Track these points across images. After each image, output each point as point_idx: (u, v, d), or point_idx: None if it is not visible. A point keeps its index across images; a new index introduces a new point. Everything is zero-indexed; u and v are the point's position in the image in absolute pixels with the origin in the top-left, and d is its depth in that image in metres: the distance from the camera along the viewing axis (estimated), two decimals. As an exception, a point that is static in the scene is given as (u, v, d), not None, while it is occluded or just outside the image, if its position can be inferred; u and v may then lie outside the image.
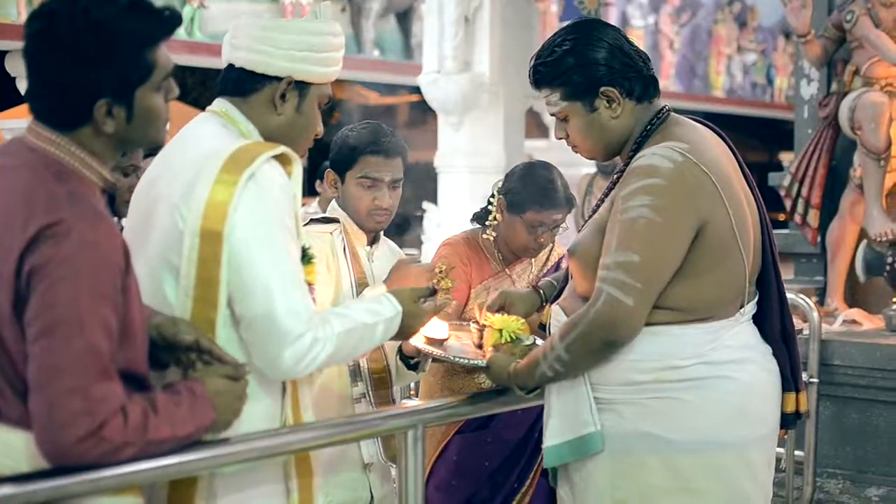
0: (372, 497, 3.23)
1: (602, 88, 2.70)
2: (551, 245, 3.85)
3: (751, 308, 2.71)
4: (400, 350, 3.19)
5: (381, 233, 3.38)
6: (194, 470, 2.25)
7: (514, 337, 2.85)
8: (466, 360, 2.88)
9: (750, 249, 2.67)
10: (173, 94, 2.19)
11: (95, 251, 1.98)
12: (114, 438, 1.96)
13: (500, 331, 2.86)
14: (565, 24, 2.87)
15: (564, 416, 2.67)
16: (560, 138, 2.82)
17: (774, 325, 2.75)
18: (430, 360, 3.21)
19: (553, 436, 2.70)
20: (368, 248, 3.31)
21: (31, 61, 2.08)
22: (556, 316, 2.77)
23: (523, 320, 2.92)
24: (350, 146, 3.26)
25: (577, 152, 2.85)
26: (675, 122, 2.74)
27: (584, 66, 2.70)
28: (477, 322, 2.98)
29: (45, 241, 1.96)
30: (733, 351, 2.64)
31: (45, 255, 1.95)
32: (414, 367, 3.24)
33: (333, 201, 3.35)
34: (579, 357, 2.60)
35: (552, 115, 2.79)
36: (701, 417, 2.60)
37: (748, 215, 2.68)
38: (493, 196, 3.78)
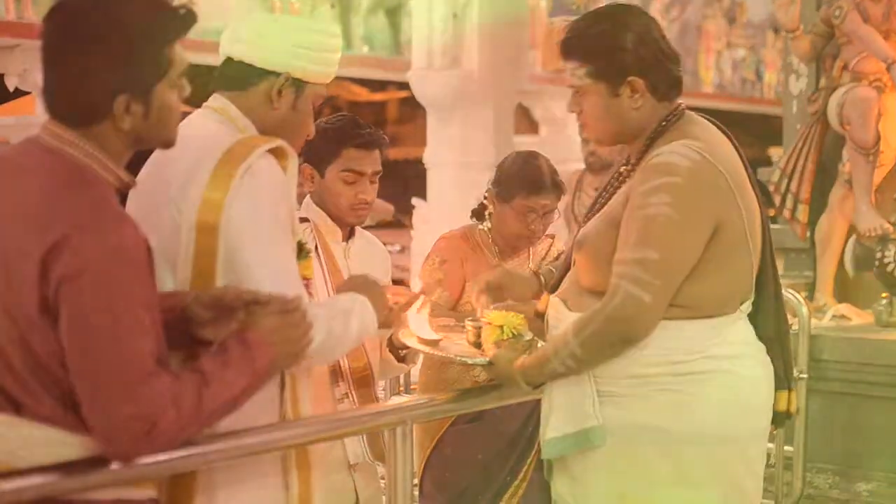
0: (357, 498, 3.21)
1: (630, 77, 2.68)
2: (550, 241, 3.86)
3: (748, 305, 2.72)
4: (390, 341, 3.18)
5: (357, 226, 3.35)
6: (183, 467, 2.24)
7: (514, 333, 2.84)
8: (468, 359, 2.87)
9: (758, 249, 2.68)
10: (186, 92, 2.20)
11: (121, 255, 2.00)
12: (170, 430, 2.00)
13: (502, 327, 2.84)
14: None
15: (567, 410, 2.67)
16: (572, 112, 2.79)
17: (769, 324, 2.76)
18: (420, 353, 3.20)
19: (554, 428, 2.69)
20: (344, 243, 3.29)
21: (50, 57, 2.08)
22: (556, 307, 2.76)
23: (522, 316, 2.89)
24: (330, 139, 3.22)
25: (582, 132, 2.83)
26: (690, 120, 2.74)
27: (619, 51, 2.67)
28: (474, 319, 2.96)
29: (69, 249, 1.96)
30: (733, 346, 2.65)
31: (72, 265, 1.95)
32: (403, 359, 3.24)
33: (307, 197, 3.32)
34: (594, 353, 2.60)
35: (572, 86, 2.75)
36: (702, 410, 2.61)
37: (757, 215, 2.69)
38: (487, 190, 3.80)
